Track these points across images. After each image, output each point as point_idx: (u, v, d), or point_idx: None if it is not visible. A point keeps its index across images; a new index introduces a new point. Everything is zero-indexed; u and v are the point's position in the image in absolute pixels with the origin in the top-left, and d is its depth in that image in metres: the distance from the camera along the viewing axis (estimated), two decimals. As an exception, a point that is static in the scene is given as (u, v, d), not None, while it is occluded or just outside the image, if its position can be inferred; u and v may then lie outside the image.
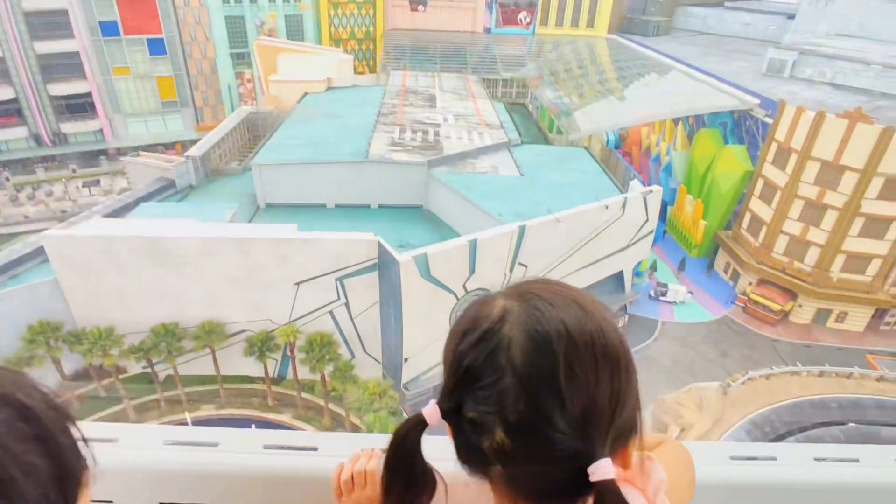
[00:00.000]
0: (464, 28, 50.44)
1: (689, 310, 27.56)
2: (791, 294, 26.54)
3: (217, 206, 23.56)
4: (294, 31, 45.87)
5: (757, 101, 28.74)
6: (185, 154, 26.92)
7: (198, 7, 42.45)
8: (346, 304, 19.36)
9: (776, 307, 26.18)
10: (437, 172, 23.32)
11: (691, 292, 28.24)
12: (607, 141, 35.52)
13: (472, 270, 18.66)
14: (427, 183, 23.78)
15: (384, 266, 18.28)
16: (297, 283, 18.83)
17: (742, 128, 29.81)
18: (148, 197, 24.86)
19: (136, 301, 19.17)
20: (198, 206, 24.04)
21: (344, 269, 18.55)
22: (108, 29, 40.96)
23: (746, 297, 27.09)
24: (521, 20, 50.89)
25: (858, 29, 46.95)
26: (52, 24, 39.46)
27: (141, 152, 29.52)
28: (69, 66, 41.01)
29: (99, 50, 41.47)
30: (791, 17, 49.84)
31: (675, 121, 34.09)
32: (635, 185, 24.07)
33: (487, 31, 50.61)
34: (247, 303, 19.25)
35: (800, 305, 26.74)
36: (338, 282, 18.82)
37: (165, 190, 25.96)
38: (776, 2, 64.74)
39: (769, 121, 27.48)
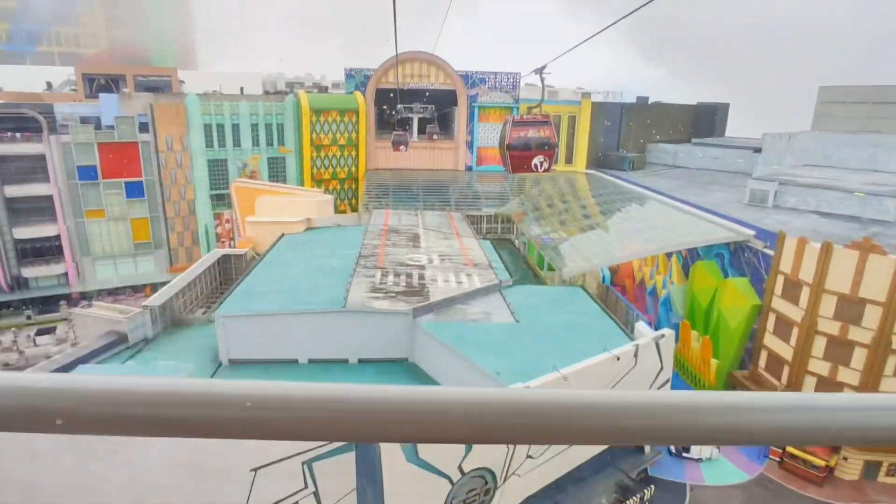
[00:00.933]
0: (445, 166, 51.53)
1: (719, 468, 23.89)
2: (833, 446, 23.27)
3: (170, 363, 20.46)
4: (276, 172, 46.11)
5: (752, 232, 27.87)
6: (143, 304, 24.28)
7: (181, 151, 42.65)
8: (315, 494, 15.66)
9: (819, 462, 22.80)
10: (424, 322, 20.89)
11: (717, 447, 24.80)
12: (603, 277, 34.24)
13: (469, 446, 15.44)
14: (412, 334, 21.23)
15: (362, 444, 14.99)
16: (254, 470, 15.26)
17: (741, 259, 28.56)
18: (92, 355, 21.68)
19: (46, 497, 15.23)
20: (147, 364, 20.89)
21: (312, 448, 15.18)
22: (87, 173, 40.46)
23: (782, 451, 23.74)
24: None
25: (823, 159, 48.86)
26: (27, 168, 38.86)
27: (95, 303, 26.90)
28: (39, 209, 39.76)
29: (74, 194, 40.58)
30: (758, 150, 52.21)
31: (668, 252, 33.04)
32: (643, 329, 21.76)
33: (469, 168, 51.71)
34: (189, 497, 15.43)
35: (844, 458, 23.39)
36: (305, 465, 15.33)
37: (116, 345, 22.85)
38: (740, 137, 68.64)
39: (769, 252, 26.30)
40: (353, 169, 48.91)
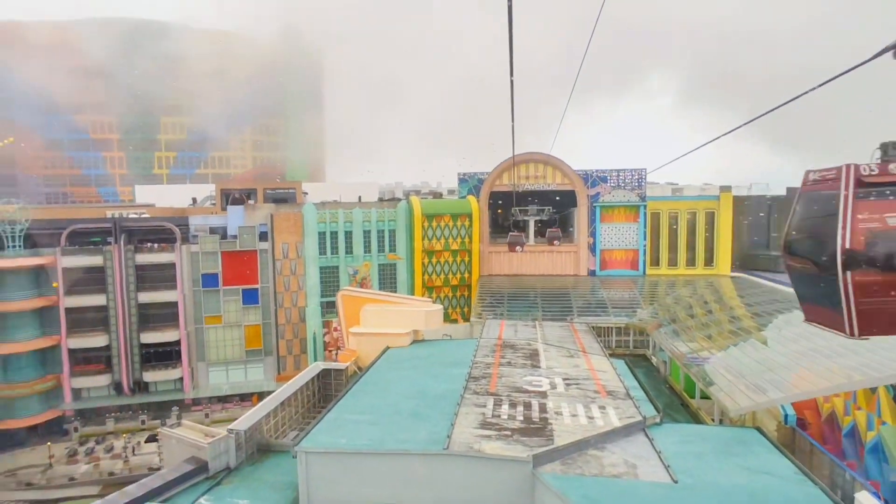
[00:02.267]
0: (565, 271, 47.58)
1: None
2: None
3: (245, 505, 17.58)
4: (387, 280, 45.25)
5: None
6: (229, 427, 22.28)
7: (295, 259, 43.53)
8: None
9: None
10: (548, 475, 16.21)
11: None
12: (784, 416, 26.94)
13: None
14: (532, 487, 16.55)
15: None
16: None
17: None
18: (167, 486, 19.55)
19: None
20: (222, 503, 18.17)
21: None
22: (209, 281, 42.34)
23: None
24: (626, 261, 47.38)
25: None
26: (159, 276, 41.43)
27: (184, 422, 25.66)
28: (164, 315, 41.78)
29: (197, 301, 42.36)
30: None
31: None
32: (867, 502, 15.06)
33: (592, 273, 47.23)
34: None
35: None
36: None
37: (195, 474, 20.67)
38: None
39: None
40: (466, 275, 46.76)
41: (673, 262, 47.12)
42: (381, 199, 55.42)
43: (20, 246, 39.08)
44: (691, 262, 47.07)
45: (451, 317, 45.99)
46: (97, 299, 40.07)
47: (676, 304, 40.23)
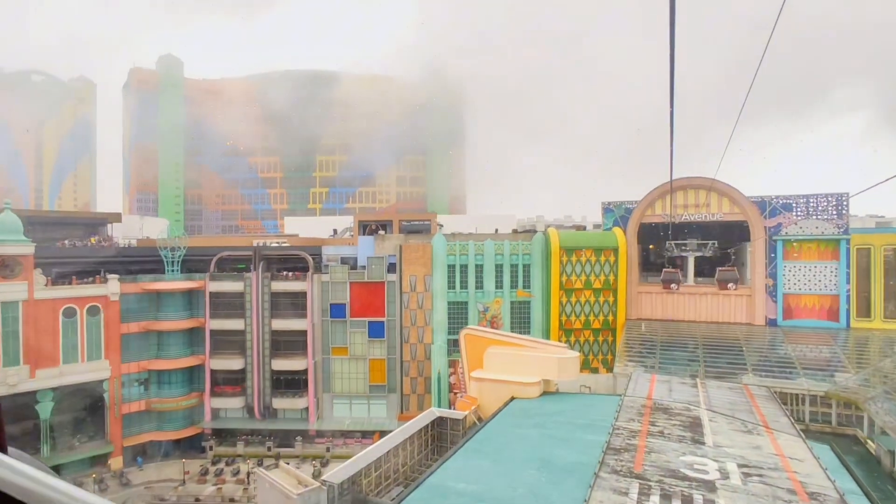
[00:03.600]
0: (735, 319, 39.72)
1: None
2: None
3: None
4: (520, 319, 41.52)
5: None
6: (323, 478, 20.08)
7: (423, 292, 41.85)
8: None
9: None
10: None
11: None
12: None
13: None
14: None
15: None
16: None
17: None
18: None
19: None
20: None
21: None
22: (338, 311, 42.29)
23: None
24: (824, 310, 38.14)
25: None
26: (292, 304, 42.33)
27: (281, 463, 24.29)
28: (295, 342, 42.39)
29: (325, 330, 42.48)
30: None
31: None
32: None
33: (772, 323, 38.76)
34: None
35: None
36: None
37: (285, 528, 18.63)
38: None
39: None
40: (610, 317, 41.22)
41: (892, 314, 36.84)
42: (515, 231, 52.23)
43: (177, 270, 42.65)
44: (918, 313, 36.42)
45: (592, 364, 40.58)
46: (237, 323, 42.02)
47: (898, 369, 30.75)
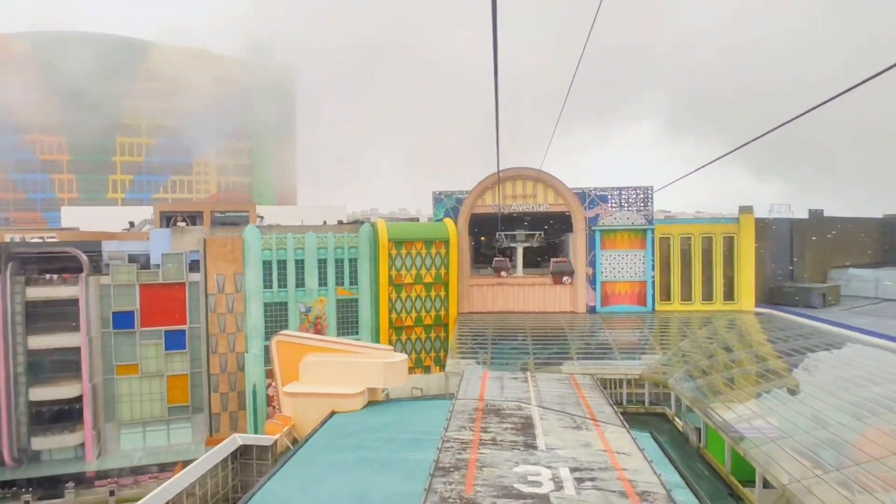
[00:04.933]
0: (560, 308, 40.80)
1: None
2: None
3: None
4: (347, 318, 38.03)
5: None
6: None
7: (233, 293, 36.17)
8: None
9: None
10: None
11: None
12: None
13: None
14: None
15: None
16: None
17: None
18: None
19: None
20: None
21: None
22: (123, 321, 34.74)
23: None
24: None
25: None
26: (59, 314, 33.71)
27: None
28: (64, 363, 33.88)
29: (107, 345, 34.64)
30: None
31: None
32: None
33: (592, 310, 40.47)
34: None
35: None
36: None
37: None
38: None
39: None
40: (442, 312, 39.70)
41: (686, 297, 40.65)
42: (340, 223, 48.47)
43: None
44: (708, 296, 40.64)
45: (425, 363, 38.75)
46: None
47: (696, 348, 33.53)
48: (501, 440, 18.87)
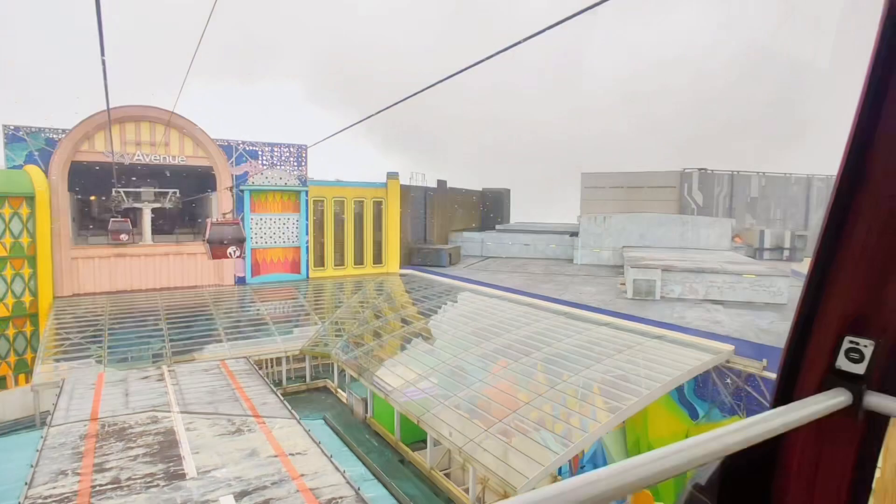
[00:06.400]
0: (203, 282, 34.73)
1: None
2: None
3: None
4: None
5: (730, 346, 19.60)
6: None
7: None
8: None
9: None
10: None
11: None
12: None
13: None
14: None
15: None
16: None
17: (713, 388, 19.92)
18: None
19: None
20: None
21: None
22: None
23: None
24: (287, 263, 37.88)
25: (640, 239, 47.64)
26: None
27: None
28: None
29: None
30: (574, 234, 49.36)
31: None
32: None
33: (241, 281, 35.81)
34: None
35: None
36: None
37: None
38: (527, 223, 67.41)
39: (770, 375, 18.08)
40: (27, 299, 28.53)
41: (340, 262, 40.11)
42: None
43: None
44: (359, 260, 41.06)
45: (0, 373, 27.19)
46: None
47: (353, 316, 33.10)
48: (130, 478, 13.41)
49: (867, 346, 1.26)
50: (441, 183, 54.66)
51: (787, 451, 1.40)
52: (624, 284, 33.04)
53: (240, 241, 20.13)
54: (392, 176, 41.93)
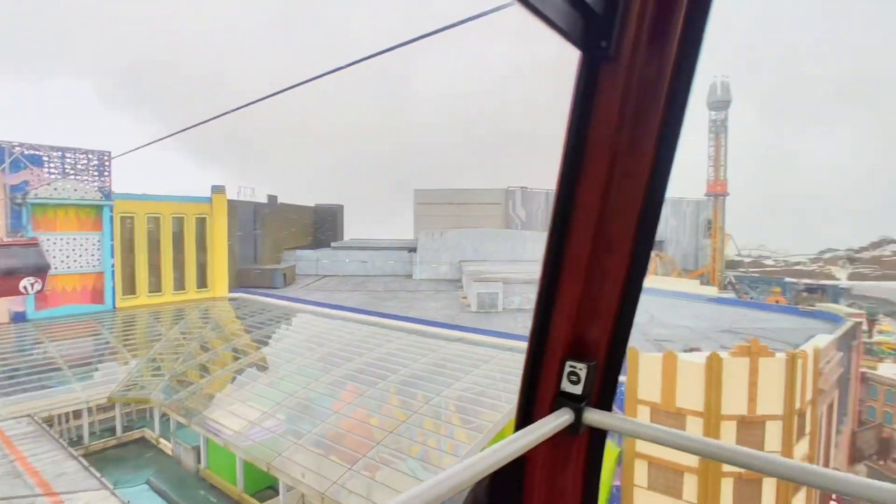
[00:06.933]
0: (-36, 320, 27.28)
1: None
2: None
3: None
4: None
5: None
6: None
7: None
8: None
9: None
10: None
11: None
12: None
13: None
14: None
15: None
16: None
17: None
18: None
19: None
20: None
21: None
22: None
23: None
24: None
25: (474, 253, 49.78)
26: None
27: None
28: None
29: None
30: (412, 249, 49.88)
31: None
32: None
33: (20, 317, 28.88)
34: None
35: None
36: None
37: None
38: (382, 239, 66.84)
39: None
40: None
41: (156, 287, 34.70)
42: None
43: None
44: (180, 284, 36.01)
45: None
46: None
47: (175, 350, 28.61)
48: None
49: (582, 369, 1.35)
50: (272, 198, 51.00)
51: (529, 471, 1.45)
52: (466, 298, 33.69)
53: (40, 271, 15.25)
54: (218, 190, 37.69)
